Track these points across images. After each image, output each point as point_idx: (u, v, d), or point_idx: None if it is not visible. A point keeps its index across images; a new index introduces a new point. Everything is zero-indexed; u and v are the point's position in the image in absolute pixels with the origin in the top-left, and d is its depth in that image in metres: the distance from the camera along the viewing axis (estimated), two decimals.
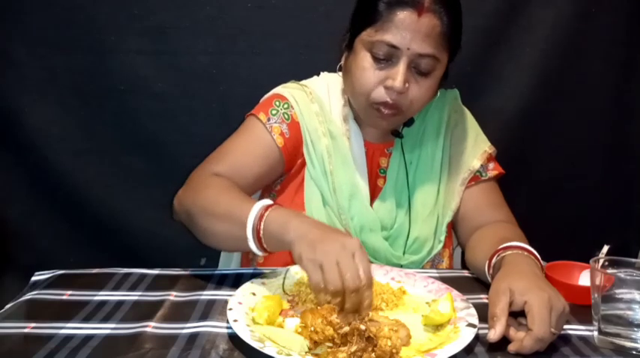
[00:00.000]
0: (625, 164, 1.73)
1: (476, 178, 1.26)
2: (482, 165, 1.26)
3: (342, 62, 1.21)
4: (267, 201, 1.00)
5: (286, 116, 1.22)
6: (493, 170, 1.27)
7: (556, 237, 1.59)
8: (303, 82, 1.31)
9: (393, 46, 1.09)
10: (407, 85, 1.11)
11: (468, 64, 1.61)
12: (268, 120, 1.21)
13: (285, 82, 1.28)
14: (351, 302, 0.87)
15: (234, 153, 1.20)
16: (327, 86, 1.28)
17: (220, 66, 1.59)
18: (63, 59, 1.55)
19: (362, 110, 1.19)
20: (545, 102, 1.65)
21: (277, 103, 1.23)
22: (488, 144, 1.29)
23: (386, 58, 1.11)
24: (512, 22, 1.61)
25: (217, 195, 1.08)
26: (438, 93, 1.21)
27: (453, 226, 1.29)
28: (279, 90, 1.27)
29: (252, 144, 1.21)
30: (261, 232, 0.97)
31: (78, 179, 1.62)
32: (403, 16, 1.08)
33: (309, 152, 1.22)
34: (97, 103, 1.59)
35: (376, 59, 1.12)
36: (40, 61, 1.55)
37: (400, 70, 1.10)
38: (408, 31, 1.08)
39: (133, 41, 1.55)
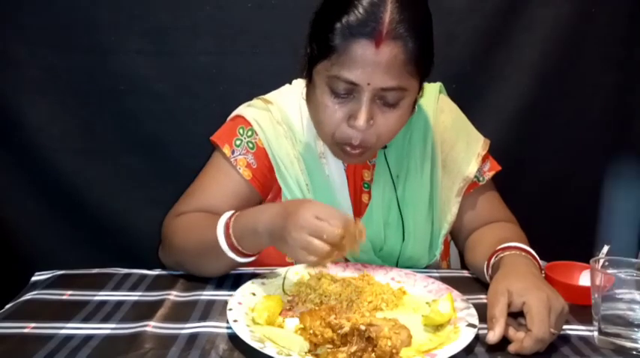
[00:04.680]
0: (625, 164, 1.73)
1: (473, 185, 1.21)
2: (478, 169, 1.20)
3: (304, 92, 1.11)
4: (231, 211, 1.02)
5: (250, 145, 1.16)
6: (490, 171, 1.22)
7: (556, 237, 1.59)
8: (273, 94, 1.23)
9: (352, 83, 0.99)
10: (371, 121, 1.02)
11: (468, 64, 1.61)
12: (233, 153, 1.16)
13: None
14: (348, 243, 0.89)
15: (202, 194, 1.16)
16: (297, 99, 1.18)
17: (220, 66, 1.58)
18: (63, 59, 1.55)
19: (328, 146, 1.12)
20: (545, 102, 1.65)
21: (241, 131, 1.17)
22: (481, 142, 1.22)
23: (346, 93, 1.01)
24: (512, 22, 1.61)
25: (187, 234, 1.09)
26: (421, 93, 1.10)
27: (450, 234, 1.25)
28: (243, 112, 1.19)
29: (218, 183, 1.16)
30: (231, 229, 0.99)
31: (78, 179, 1.62)
32: (359, 48, 0.96)
33: (284, 178, 1.15)
34: (97, 103, 1.59)
35: (336, 95, 1.01)
36: (40, 61, 1.55)
37: (363, 107, 1.00)
38: (365, 65, 0.96)
39: (133, 41, 1.55)
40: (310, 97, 1.08)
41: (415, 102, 1.09)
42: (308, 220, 0.89)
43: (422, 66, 1.02)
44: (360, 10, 0.96)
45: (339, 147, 1.08)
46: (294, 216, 0.90)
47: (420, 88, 1.07)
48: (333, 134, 1.05)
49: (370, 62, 0.96)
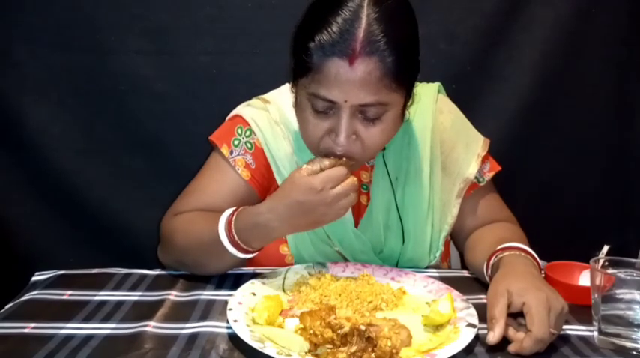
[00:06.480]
0: (625, 164, 1.73)
1: (474, 186, 1.20)
2: (478, 170, 1.19)
3: (293, 101, 1.10)
4: (233, 208, 1.03)
5: (249, 145, 1.16)
6: (490, 171, 1.21)
7: (556, 237, 1.59)
8: (272, 93, 1.22)
9: (330, 101, 0.98)
10: (354, 136, 1.01)
11: (468, 64, 1.61)
12: (231, 153, 1.15)
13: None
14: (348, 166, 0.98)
15: (200, 194, 1.16)
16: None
17: (220, 66, 1.58)
18: (63, 59, 1.55)
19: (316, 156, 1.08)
20: (545, 102, 1.65)
21: (239, 131, 1.17)
22: (481, 142, 1.21)
23: (327, 109, 1.00)
24: (512, 22, 1.61)
25: (187, 232, 1.09)
26: (411, 101, 1.08)
27: (450, 235, 1.24)
28: (241, 111, 1.19)
29: (217, 183, 1.16)
30: (233, 224, 0.99)
31: (78, 179, 1.62)
32: (333, 66, 0.94)
33: (282, 178, 1.15)
34: (97, 103, 1.59)
35: (317, 111, 1.01)
36: (40, 61, 1.55)
37: (342, 124, 0.98)
38: (341, 83, 0.95)
39: (133, 41, 1.55)
40: (296, 108, 1.09)
41: (404, 111, 1.07)
42: (312, 182, 0.94)
43: (404, 78, 0.99)
44: (334, 28, 0.94)
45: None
46: (299, 191, 0.95)
47: (408, 98, 1.06)
48: (318, 146, 1.04)
49: (345, 80, 0.95)
